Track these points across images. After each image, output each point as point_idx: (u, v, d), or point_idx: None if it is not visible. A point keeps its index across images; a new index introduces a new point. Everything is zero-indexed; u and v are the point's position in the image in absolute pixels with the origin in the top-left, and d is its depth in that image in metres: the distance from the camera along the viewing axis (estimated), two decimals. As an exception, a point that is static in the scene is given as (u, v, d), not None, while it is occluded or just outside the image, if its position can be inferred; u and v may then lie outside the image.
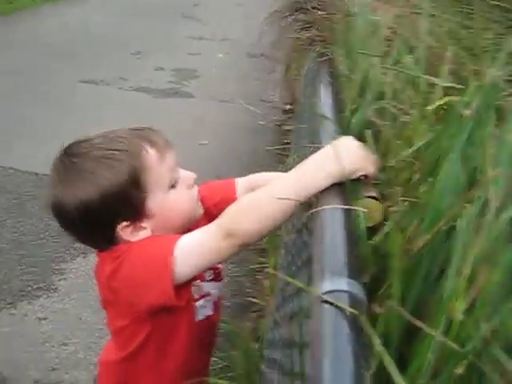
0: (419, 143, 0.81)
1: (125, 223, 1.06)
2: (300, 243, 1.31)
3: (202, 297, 1.20)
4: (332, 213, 0.84)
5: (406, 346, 0.62)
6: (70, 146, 1.10)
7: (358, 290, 0.69)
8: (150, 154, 1.05)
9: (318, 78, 1.60)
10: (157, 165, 1.06)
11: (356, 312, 0.62)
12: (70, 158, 1.08)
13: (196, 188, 1.16)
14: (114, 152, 1.04)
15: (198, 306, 1.18)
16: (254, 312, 2.66)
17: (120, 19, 8.18)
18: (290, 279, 0.98)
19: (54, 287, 2.79)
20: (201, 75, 6.26)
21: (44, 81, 5.43)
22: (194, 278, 1.09)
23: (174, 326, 1.13)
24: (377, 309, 0.66)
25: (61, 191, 1.06)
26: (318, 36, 1.84)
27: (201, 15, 9.35)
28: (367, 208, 0.83)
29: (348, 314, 0.63)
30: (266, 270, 2.80)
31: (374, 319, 0.65)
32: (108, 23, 7.88)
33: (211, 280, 1.24)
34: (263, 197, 0.95)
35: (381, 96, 1.21)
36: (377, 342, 0.57)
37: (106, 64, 6.12)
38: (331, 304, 0.65)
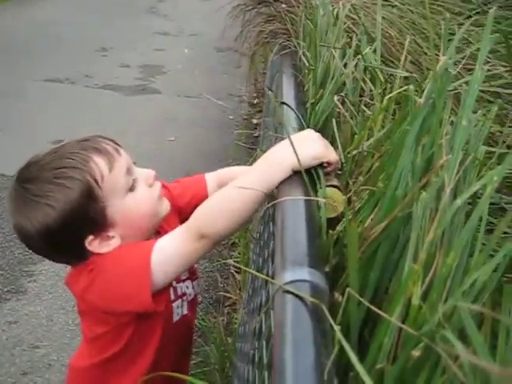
0: (379, 133, 0.81)
1: (91, 237, 1.05)
2: (266, 235, 1.32)
3: (179, 297, 1.20)
4: (293, 203, 0.84)
5: (367, 333, 0.63)
6: (20, 172, 1.08)
7: (320, 280, 0.69)
8: (99, 163, 1.04)
9: (281, 71, 1.60)
10: (107, 173, 1.04)
11: (317, 301, 0.63)
12: (22, 184, 1.05)
13: (158, 185, 1.15)
14: (63, 170, 1.03)
15: (174, 307, 1.18)
16: (227, 306, 2.67)
17: (82, 17, 8.07)
18: (254, 272, 0.98)
19: (23, 290, 2.75)
20: (167, 71, 6.21)
21: (7, 80, 5.33)
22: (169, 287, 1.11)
23: (150, 329, 1.13)
24: (338, 297, 0.67)
25: (19, 219, 1.05)
26: (280, 29, 1.84)
27: (166, 11, 9.27)
28: (329, 198, 0.83)
29: (309, 303, 0.64)
30: (238, 264, 2.81)
31: (335, 308, 0.66)
32: (71, 21, 7.77)
33: (186, 279, 1.24)
34: (229, 194, 0.95)
35: (342, 88, 1.22)
36: (337, 330, 0.57)
37: (70, 62, 6.03)
38: (292, 294, 0.65)
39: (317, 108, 1.13)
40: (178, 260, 1.00)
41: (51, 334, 2.51)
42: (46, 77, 5.52)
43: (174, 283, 1.17)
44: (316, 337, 0.60)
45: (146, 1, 9.72)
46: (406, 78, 1.13)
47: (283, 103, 1.23)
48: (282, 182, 0.90)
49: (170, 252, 1.00)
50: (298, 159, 0.85)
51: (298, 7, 1.84)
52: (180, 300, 1.20)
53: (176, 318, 1.19)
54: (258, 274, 0.89)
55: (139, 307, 1.03)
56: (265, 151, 1.92)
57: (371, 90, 1.09)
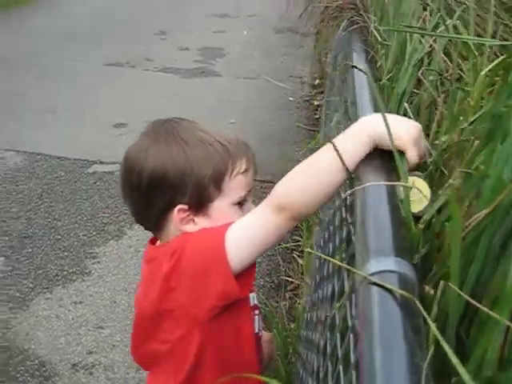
0: (477, 114, 0.74)
1: (184, 206, 1.03)
2: (338, 221, 1.26)
3: (254, 308, 1.15)
4: (376, 189, 0.78)
5: (462, 331, 0.56)
6: (175, 118, 1.10)
7: (408, 270, 0.63)
8: (244, 164, 1.05)
9: (350, 47, 1.52)
10: (241, 177, 1.05)
11: (407, 294, 0.57)
12: (174, 124, 1.07)
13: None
14: (217, 142, 1.04)
15: (254, 317, 1.13)
16: (289, 291, 2.62)
17: (139, 1, 8.12)
18: (331, 259, 0.92)
19: (87, 271, 2.79)
20: (227, 53, 6.18)
21: (70, 66, 5.42)
22: (253, 274, 1.02)
23: (235, 331, 1.06)
24: (429, 290, 0.60)
25: (149, 149, 1.03)
26: (348, 3, 1.76)
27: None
28: (415, 187, 0.76)
29: (398, 296, 0.58)
30: (301, 248, 2.76)
31: (425, 302, 0.60)
32: (129, 5, 7.83)
33: (255, 310, 1.18)
34: (307, 166, 0.89)
35: (420, 64, 1.14)
36: (433, 327, 0.51)
37: (130, 46, 6.08)
38: (380, 286, 0.59)
39: (396, 85, 1.05)
40: (256, 235, 0.93)
41: (115, 315, 2.54)
42: (106, 61, 5.59)
43: (249, 293, 1.11)
44: (408, 334, 0.54)
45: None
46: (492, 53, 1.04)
47: (354, 67, 1.16)
48: (363, 163, 0.84)
49: (246, 226, 0.94)
50: (391, 135, 0.78)
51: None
52: (255, 312, 1.15)
53: (256, 330, 1.12)
54: (337, 262, 0.82)
55: (223, 288, 0.95)
56: (328, 132, 1.85)
57: (458, 65, 1.00)
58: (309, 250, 1.99)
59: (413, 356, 0.52)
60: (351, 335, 0.77)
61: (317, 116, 4.57)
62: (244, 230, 0.94)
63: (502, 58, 0.79)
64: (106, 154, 3.80)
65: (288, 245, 2.81)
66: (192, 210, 1.03)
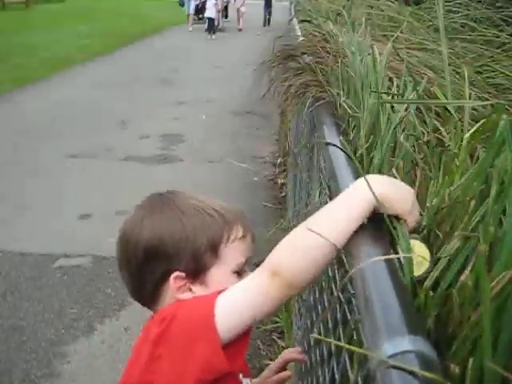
0: (466, 174, 0.71)
1: (181, 274, 0.99)
2: (328, 300, 1.20)
3: None
4: (374, 263, 0.74)
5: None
6: (170, 190, 1.10)
7: (427, 348, 0.58)
8: (240, 231, 1.03)
9: (319, 122, 1.52)
10: (238, 244, 1.03)
11: (434, 375, 0.52)
12: (170, 195, 1.07)
13: None
14: (211, 210, 1.03)
15: None
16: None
17: (99, 92, 8.24)
18: (339, 343, 0.86)
19: (57, 373, 2.62)
20: (187, 139, 6.24)
21: (31, 159, 5.37)
22: (245, 348, 0.94)
23: None
24: (455, 369, 0.55)
25: (144, 221, 1.02)
26: (312, 81, 1.78)
27: (181, 80, 9.46)
28: (415, 252, 0.73)
29: (422, 378, 0.53)
30: (280, 329, 2.67)
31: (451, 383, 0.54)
32: (87, 97, 7.93)
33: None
34: (299, 230, 0.85)
35: (395, 132, 1.13)
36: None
37: (90, 137, 6.09)
38: (401, 369, 0.54)
39: (375, 154, 1.04)
40: (249, 301, 0.87)
41: (89, 418, 2.37)
42: (68, 153, 5.56)
43: (246, 380, 1.03)
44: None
45: (159, 72, 9.94)
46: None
47: (330, 144, 1.14)
48: (355, 237, 0.80)
49: (239, 291, 0.88)
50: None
51: (328, 57, 1.78)
52: None
53: None
54: (346, 345, 0.76)
55: (209, 357, 0.87)
56: (301, 209, 1.80)
57: (434, 130, 1.00)
58: (295, 327, 1.91)
59: None
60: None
61: (282, 194, 4.59)
62: (234, 297, 0.89)
63: (483, 121, 0.79)
64: (71, 247, 3.70)
65: (267, 326, 2.72)
66: (189, 278, 1.00)
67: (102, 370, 2.63)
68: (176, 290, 0.99)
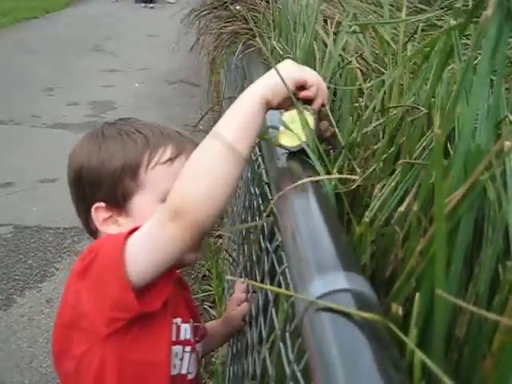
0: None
1: (100, 204, 0.94)
2: (256, 254, 1.10)
3: (180, 343, 0.93)
4: (299, 192, 0.63)
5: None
6: (121, 118, 1.05)
7: (364, 287, 0.48)
8: (167, 153, 0.95)
9: (249, 68, 1.41)
10: (161, 169, 0.94)
11: (376, 316, 0.42)
12: (105, 125, 1.02)
13: None
14: (137, 134, 0.96)
15: (172, 353, 0.91)
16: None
17: (24, 58, 7.81)
18: (264, 286, 0.76)
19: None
20: (119, 106, 5.99)
21: None
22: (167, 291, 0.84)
23: (145, 357, 0.85)
24: (396, 309, 0.45)
25: (75, 149, 0.99)
26: (242, 29, 1.66)
27: (113, 48, 9.09)
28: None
29: (361, 321, 0.43)
30: (212, 298, 2.57)
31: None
32: (12, 62, 7.50)
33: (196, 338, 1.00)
34: (196, 154, 0.75)
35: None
36: (419, 353, 0.36)
37: (14, 103, 5.75)
38: (334, 311, 0.44)
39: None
40: (153, 245, 0.77)
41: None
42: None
43: (178, 321, 0.94)
44: (384, 367, 0.38)
45: (90, 39, 9.53)
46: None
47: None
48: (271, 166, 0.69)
49: (143, 233, 0.79)
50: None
51: (260, 4, 1.66)
52: (181, 347, 0.93)
53: (173, 371, 0.91)
54: (271, 288, 0.65)
55: (119, 298, 0.78)
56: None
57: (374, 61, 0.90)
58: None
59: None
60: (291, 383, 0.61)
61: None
62: (142, 238, 0.79)
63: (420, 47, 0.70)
64: (-9, 216, 3.46)
65: (198, 295, 2.61)
66: (112, 208, 0.94)
67: (20, 345, 2.46)
68: (101, 222, 0.94)
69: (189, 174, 0.75)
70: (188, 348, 0.95)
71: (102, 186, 0.93)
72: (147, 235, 0.78)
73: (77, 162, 0.96)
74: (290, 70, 0.77)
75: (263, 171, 1.05)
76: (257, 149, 1.12)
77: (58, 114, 5.52)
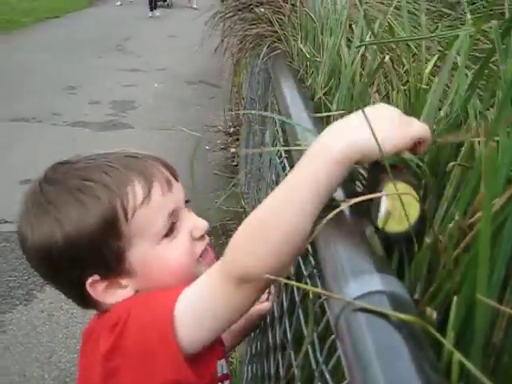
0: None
1: (95, 277, 0.79)
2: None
3: (224, 379, 0.87)
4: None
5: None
6: (47, 170, 0.84)
7: (399, 289, 0.49)
8: (138, 191, 0.79)
9: (274, 71, 1.42)
10: (144, 210, 0.79)
11: (410, 318, 0.42)
12: (42, 184, 0.82)
13: (205, 242, 0.87)
14: (91, 184, 0.79)
15: None
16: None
17: (48, 56, 7.89)
18: (297, 284, 0.76)
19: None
20: (138, 106, 6.04)
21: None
22: (217, 353, 0.81)
23: None
24: (432, 313, 0.46)
25: (23, 224, 0.81)
26: (267, 31, 1.67)
27: (133, 48, 9.17)
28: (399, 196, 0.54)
29: (398, 322, 0.43)
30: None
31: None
32: (37, 59, 7.59)
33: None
34: (268, 216, 0.63)
35: (353, 76, 1.03)
36: (457, 355, 0.37)
37: (37, 101, 5.81)
38: (371, 312, 0.44)
39: (335, 99, 0.94)
40: (212, 311, 0.70)
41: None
42: (11, 117, 5.29)
43: (222, 360, 0.87)
44: (423, 369, 0.39)
45: (111, 39, 9.61)
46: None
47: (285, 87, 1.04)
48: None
49: (200, 298, 0.71)
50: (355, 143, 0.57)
51: (285, 6, 1.67)
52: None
53: None
54: (310, 288, 0.65)
55: (172, 372, 0.73)
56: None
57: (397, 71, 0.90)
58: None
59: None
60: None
61: (234, 163, 4.48)
62: (193, 303, 0.71)
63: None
64: (11, 213, 3.49)
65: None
66: (109, 276, 0.80)
67: (40, 340, 2.49)
68: (103, 293, 0.80)
69: (259, 235, 0.63)
70: (227, 382, 0.89)
71: (86, 260, 0.79)
72: (201, 301, 0.71)
73: (39, 245, 0.79)
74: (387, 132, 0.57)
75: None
76: (283, 152, 1.12)
77: (80, 113, 5.58)
